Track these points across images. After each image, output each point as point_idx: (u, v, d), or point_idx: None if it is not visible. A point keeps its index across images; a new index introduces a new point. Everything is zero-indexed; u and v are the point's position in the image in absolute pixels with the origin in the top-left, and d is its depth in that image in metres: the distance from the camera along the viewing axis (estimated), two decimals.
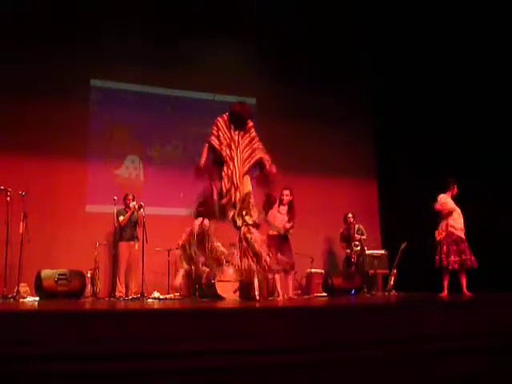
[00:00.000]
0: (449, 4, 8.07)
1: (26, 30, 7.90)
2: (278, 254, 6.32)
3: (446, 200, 6.64)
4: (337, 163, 9.50)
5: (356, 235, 8.36)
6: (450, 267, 6.40)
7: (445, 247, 6.47)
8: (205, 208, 5.41)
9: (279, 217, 6.60)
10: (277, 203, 6.63)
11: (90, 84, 8.52)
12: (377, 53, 9.80)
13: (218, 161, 5.46)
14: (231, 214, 5.37)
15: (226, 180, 5.36)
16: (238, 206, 5.32)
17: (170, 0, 8.89)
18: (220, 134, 5.45)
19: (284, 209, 6.66)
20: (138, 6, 8.63)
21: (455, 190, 6.71)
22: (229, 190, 5.33)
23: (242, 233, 5.29)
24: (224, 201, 5.34)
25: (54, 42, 7.97)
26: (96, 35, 8.30)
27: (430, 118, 8.55)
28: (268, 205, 6.48)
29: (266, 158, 5.50)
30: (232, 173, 5.35)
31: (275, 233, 6.50)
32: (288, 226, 6.54)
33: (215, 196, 5.40)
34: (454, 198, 6.69)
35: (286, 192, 6.69)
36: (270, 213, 6.55)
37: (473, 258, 6.40)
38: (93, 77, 8.50)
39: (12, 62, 7.68)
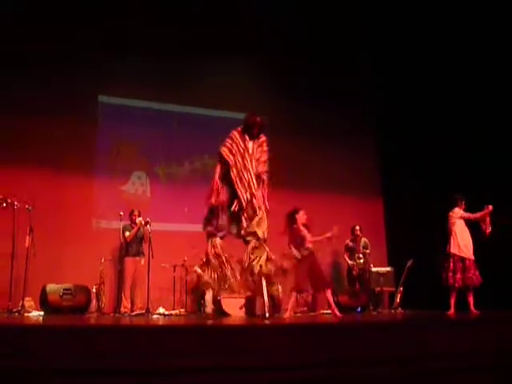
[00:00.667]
0: (450, 12, 8.07)
1: (34, 46, 7.96)
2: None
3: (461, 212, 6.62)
4: (342, 179, 9.47)
5: (361, 248, 8.35)
6: (456, 284, 6.35)
7: (452, 264, 6.42)
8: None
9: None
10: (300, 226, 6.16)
11: (98, 100, 8.57)
12: (381, 68, 9.83)
13: (228, 174, 5.51)
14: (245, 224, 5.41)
15: (243, 190, 5.39)
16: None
17: (181, 18, 8.95)
18: (233, 146, 5.53)
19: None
20: (147, 22, 8.71)
21: (463, 206, 6.69)
22: (248, 199, 5.36)
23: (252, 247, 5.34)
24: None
25: (62, 58, 8.04)
26: (104, 51, 8.37)
27: (435, 133, 8.53)
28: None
29: (264, 177, 5.55)
30: (248, 181, 5.41)
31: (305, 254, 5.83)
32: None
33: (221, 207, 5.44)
34: None
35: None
36: (310, 236, 5.78)
37: (477, 274, 6.33)
38: (100, 93, 8.57)
39: (21, 78, 7.76)
